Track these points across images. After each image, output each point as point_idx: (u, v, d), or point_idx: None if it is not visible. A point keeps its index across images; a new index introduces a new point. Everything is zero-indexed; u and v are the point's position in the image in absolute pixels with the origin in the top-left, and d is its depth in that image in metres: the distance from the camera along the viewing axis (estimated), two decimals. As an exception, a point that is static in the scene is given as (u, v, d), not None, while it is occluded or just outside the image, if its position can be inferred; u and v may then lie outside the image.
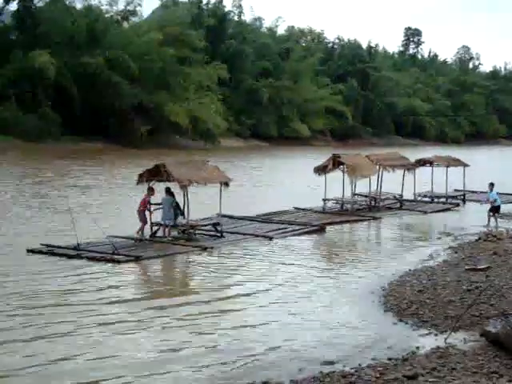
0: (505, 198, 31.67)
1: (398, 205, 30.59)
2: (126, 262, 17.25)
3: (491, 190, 26.75)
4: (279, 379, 9.80)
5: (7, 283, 14.76)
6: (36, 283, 14.82)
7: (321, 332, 12.24)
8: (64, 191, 31.34)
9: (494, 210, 26.38)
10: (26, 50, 61.96)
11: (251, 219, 24.81)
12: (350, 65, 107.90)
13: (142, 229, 20.22)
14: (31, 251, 17.78)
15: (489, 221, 26.04)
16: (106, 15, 73.24)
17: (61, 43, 64.35)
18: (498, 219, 26.28)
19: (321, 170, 28.21)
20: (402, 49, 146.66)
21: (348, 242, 23.90)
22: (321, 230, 23.76)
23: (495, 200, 26.38)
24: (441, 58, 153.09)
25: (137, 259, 17.60)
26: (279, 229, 23.11)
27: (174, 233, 20.89)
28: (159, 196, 21.04)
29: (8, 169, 41.30)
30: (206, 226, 21.80)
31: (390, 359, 10.62)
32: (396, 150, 35.89)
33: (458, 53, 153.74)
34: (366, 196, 30.07)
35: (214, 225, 21.79)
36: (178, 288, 15.68)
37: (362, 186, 29.70)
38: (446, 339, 11.53)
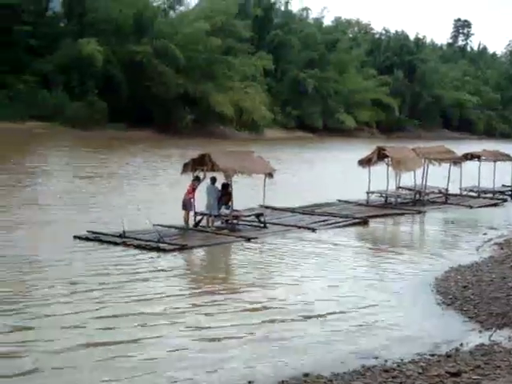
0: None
1: (444, 199, 30.24)
2: (171, 250, 17.40)
3: None
4: (321, 371, 9.80)
5: (53, 268, 15.00)
6: (82, 270, 15.02)
7: (363, 325, 12.21)
8: (109, 179, 31.80)
9: None
10: (74, 38, 62.89)
11: (294, 211, 24.79)
12: (397, 56, 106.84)
13: (187, 217, 20.33)
14: (78, 238, 18.04)
15: None
16: (154, 4, 73.71)
17: (108, 32, 65.07)
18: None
19: (365, 162, 28.02)
20: (450, 41, 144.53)
21: (391, 235, 23.73)
22: (364, 222, 23.65)
23: None
24: (490, 50, 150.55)
25: (181, 248, 17.74)
26: (322, 221, 23.05)
27: (217, 223, 21.00)
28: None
29: (56, 155, 42.06)
30: (249, 216, 21.88)
31: (432, 355, 10.55)
32: (442, 144, 35.42)
33: (508, 45, 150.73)
34: (410, 189, 29.80)
35: (258, 215, 21.84)
36: (223, 277, 15.75)
37: (407, 180, 29.44)
38: (490, 336, 11.39)
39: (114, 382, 9.30)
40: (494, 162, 33.54)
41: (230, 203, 20.82)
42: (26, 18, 59.26)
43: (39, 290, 13.32)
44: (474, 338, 11.50)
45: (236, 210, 21.02)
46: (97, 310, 12.26)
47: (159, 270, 15.53)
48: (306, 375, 9.66)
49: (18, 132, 52.52)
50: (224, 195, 20.77)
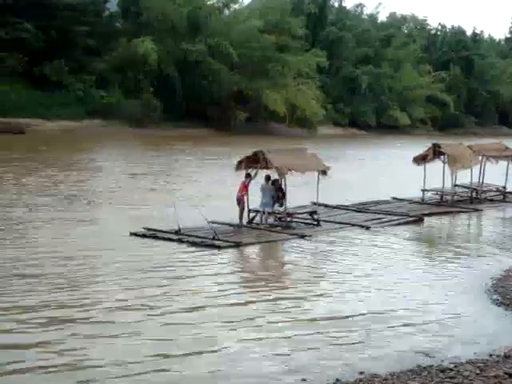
0: None
1: (501, 197, 29.65)
2: (226, 247, 17.53)
3: None
4: (376, 370, 9.75)
5: (112, 265, 15.26)
6: (140, 266, 15.24)
7: (421, 324, 12.07)
8: (165, 176, 32.20)
9: None
10: (130, 37, 63.81)
11: (347, 208, 24.67)
12: (453, 52, 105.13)
13: (241, 215, 20.43)
14: (134, 234, 18.31)
15: None
16: (208, 3, 74.19)
17: (163, 31, 65.83)
18: None
19: (420, 159, 27.65)
20: (508, 35, 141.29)
21: (448, 233, 23.37)
22: (419, 220, 23.37)
23: None
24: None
25: (236, 245, 17.85)
26: (376, 218, 22.88)
27: (271, 220, 21.05)
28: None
29: (110, 153, 42.78)
30: (302, 214, 21.86)
31: (491, 355, 10.39)
32: (500, 141, 34.72)
33: None
34: (467, 187, 29.31)
35: (311, 213, 21.80)
36: (279, 274, 15.78)
37: (463, 177, 28.97)
38: (551, 338, 11.16)
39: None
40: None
41: (283, 200, 20.84)
42: (84, 19, 60.39)
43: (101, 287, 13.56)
44: (534, 339, 11.27)
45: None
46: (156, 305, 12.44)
47: (215, 267, 15.64)
48: (361, 373, 9.62)
49: (76, 130, 53.63)
50: (277, 192, 20.79)
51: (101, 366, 9.58)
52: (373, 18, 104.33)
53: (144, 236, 18.26)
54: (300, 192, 24.49)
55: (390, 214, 23.71)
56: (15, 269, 14.39)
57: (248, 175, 20.67)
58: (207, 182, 30.57)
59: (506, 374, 9.32)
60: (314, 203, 22.48)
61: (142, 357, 9.92)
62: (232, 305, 12.76)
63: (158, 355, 10.07)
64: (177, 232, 18.26)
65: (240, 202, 20.38)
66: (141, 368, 9.58)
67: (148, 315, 11.87)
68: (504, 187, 29.91)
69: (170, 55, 64.21)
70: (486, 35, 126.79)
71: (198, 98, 64.18)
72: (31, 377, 9.25)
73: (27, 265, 14.74)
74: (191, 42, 65.69)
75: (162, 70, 62.74)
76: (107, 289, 13.30)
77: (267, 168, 20.69)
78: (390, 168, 40.66)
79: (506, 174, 29.92)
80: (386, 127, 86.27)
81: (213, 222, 19.22)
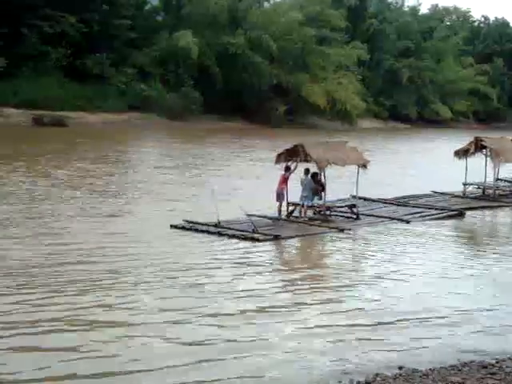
0: None
1: (545, 192, 29.14)
2: (265, 240, 17.56)
3: None
4: (416, 365, 9.68)
5: (153, 257, 15.39)
6: (181, 258, 15.34)
7: (461, 321, 11.93)
8: (203, 169, 32.36)
9: None
10: (170, 30, 64.13)
11: (387, 202, 24.49)
12: (497, 44, 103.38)
13: (280, 208, 20.45)
14: (174, 227, 18.44)
15: None
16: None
17: (203, 24, 65.92)
18: None
19: (462, 153, 27.30)
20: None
21: (490, 228, 23.09)
22: (460, 214, 23.09)
23: None
24: None
25: (275, 238, 17.86)
26: (416, 212, 22.66)
27: (310, 213, 21.01)
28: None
29: (148, 146, 43.13)
30: (342, 207, 21.78)
31: (534, 352, 10.25)
32: (544, 135, 34.09)
33: None
34: (510, 181, 28.86)
35: (350, 206, 21.71)
36: (319, 268, 15.75)
37: (506, 172, 28.53)
38: None
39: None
40: None
41: (322, 193, 20.79)
42: (125, 12, 60.85)
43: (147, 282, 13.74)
44: None
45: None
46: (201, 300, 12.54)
47: (255, 260, 15.69)
48: (401, 368, 9.57)
49: (116, 123, 54.15)
50: (316, 185, 20.75)
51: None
52: (414, 10, 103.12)
53: (184, 228, 18.38)
54: (340, 185, 24.37)
55: (430, 208, 23.47)
56: (78, 256, 14.71)
57: (287, 168, 20.64)
58: (246, 175, 30.61)
59: (549, 371, 9.18)
60: (354, 196, 22.38)
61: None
62: (273, 300, 12.76)
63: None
64: (216, 225, 18.34)
65: (279, 196, 20.38)
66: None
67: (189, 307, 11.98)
68: (548, 182, 29.40)
69: (211, 48, 64.34)
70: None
71: (237, 91, 64.27)
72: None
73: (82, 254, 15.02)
74: (231, 34, 65.74)
75: (202, 63, 62.92)
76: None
77: (307, 161, 20.63)
78: (430, 161, 40.20)
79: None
80: (427, 120, 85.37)
81: (251, 215, 19.25)
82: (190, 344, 10.29)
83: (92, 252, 15.36)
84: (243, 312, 11.84)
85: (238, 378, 9.18)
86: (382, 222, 21.03)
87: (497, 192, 27.49)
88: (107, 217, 19.85)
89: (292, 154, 20.78)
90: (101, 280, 13.20)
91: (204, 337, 10.54)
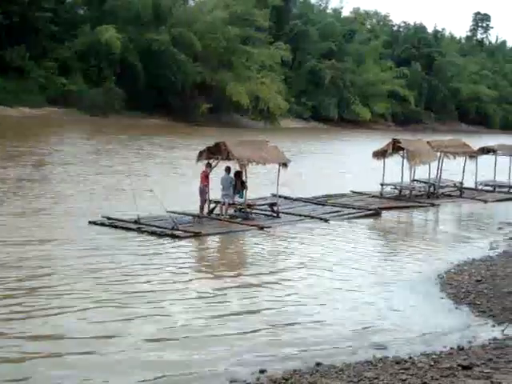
0: None
1: (458, 193, 30.11)
2: (186, 237, 17.50)
3: None
4: (333, 361, 9.84)
5: (68, 253, 15.11)
6: (97, 255, 15.12)
7: (375, 317, 12.22)
8: (127, 165, 31.91)
9: None
10: (93, 24, 63.03)
11: (307, 201, 24.81)
12: (415, 48, 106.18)
13: (202, 205, 20.43)
14: (93, 223, 18.16)
15: None
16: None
17: (127, 19, 65.14)
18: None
19: (380, 154, 27.92)
20: (469, 34, 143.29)
21: (404, 227, 23.71)
22: (377, 214, 23.62)
23: None
24: (509, 44, 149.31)
25: (196, 235, 17.83)
26: (335, 211, 23.05)
27: (231, 211, 21.06)
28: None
29: (75, 142, 42.24)
30: (262, 205, 21.92)
31: (444, 347, 10.55)
32: (458, 137, 35.25)
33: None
34: (425, 182, 29.70)
35: (271, 205, 21.88)
36: (237, 265, 15.81)
37: (422, 173, 29.35)
38: (503, 331, 11.37)
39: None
40: (510, 156, 33.30)
41: (243, 192, 20.88)
42: (46, 4, 59.41)
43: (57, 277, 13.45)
44: (487, 331, 11.47)
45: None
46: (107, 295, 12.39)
47: (173, 257, 15.61)
48: (318, 365, 9.70)
49: (36, 118, 52.83)
50: (237, 183, 20.83)
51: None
52: (337, 12, 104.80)
53: (103, 225, 18.11)
54: (261, 184, 24.51)
55: (348, 208, 23.91)
56: None
57: (209, 164, 20.65)
58: (167, 172, 30.41)
59: (459, 365, 9.45)
60: (274, 195, 22.56)
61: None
62: (182, 295, 12.75)
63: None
64: (136, 221, 18.15)
65: (202, 192, 20.37)
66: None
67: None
68: (461, 183, 30.37)
69: (134, 44, 63.61)
70: (447, 33, 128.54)
71: (161, 88, 63.80)
72: None
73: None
74: (155, 31, 65.17)
75: (125, 59, 62.11)
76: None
77: (228, 159, 20.67)
78: (349, 162, 40.95)
79: (463, 170, 30.37)
80: (347, 121, 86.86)
81: (173, 213, 19.15)
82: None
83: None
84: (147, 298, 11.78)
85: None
86: (302, 220, 21.29)
87: (412, 193, 28.23)
88: (27, 213, 19.32)
89: (214, 152, 20.76)
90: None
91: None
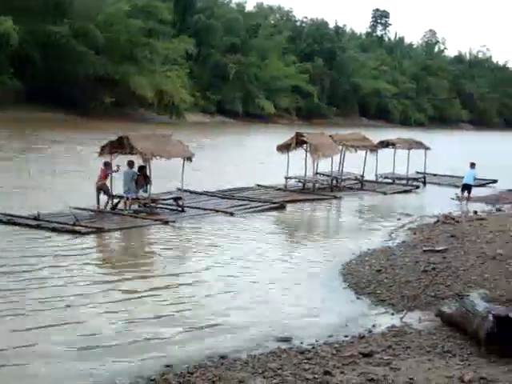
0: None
1: (359, 185, 30.86)
2: (87, 233, 17.14)
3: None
4: (237, 354, 9.87)
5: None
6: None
7: (278, 309, 12.30)
8: (24, 160, 30.97)
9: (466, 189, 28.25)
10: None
11: (212, 195, 24.82)
12: (317, 44, 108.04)
13: (108, 201, 20.13)
14: (-11, 219, 17.56)
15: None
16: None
17: (25, 10, 62.94)
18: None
19: (284, 148, 28.28)
20: (369, 30, 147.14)
21: (308, 220, 24.08)
22: (281, 207, 23.90)
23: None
24: (407, 41, 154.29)
25: (98, 231, 17.50)
26: (240, 205, 23.15)
27: (135, 206, 20.81)
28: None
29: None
30: (167, 200, 21.75)
31: (346, 336, 10.77)
32: (359, 131, 36.11)
33: (424, 36, 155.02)
34: (327, 175, 30.28)
35: (176, 199, 21.74)
36: (139, 260, 15.59)
37: (325, 166, 29.88)
38: (402, 318, 11.72)
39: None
40: (408, 149, 34.38)
41: (147, 186, 20.66)
42: None
43: None
44: (387, 320, 11.78)
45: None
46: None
47: (74, 254, 15.24)
48: (223, 357, 9.70)
49: None
50: (141, 178, 20.61)
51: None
52: (240, 6, 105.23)
53: (0, 222, 17.51)
54: (166, 178, 24.31)
55: (254, 201, 24.07)
56: None
57: (107, 163, 20.33)
58: (69, 168, 29.70)
59: (360, 353, 9.68)
60: (179, 189, 22.44)
61: None
62: (83, 291, 12.51)
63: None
64: (36, 218, 17.64)
65: (100, 190, 20.07)
66: None
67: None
68: (362, 176, 31.13)
69: (33, 36, 61.66)
70: (348, 29, 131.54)
71: (62, 81, 62.14)
72: None
73: None
74: (55, 22, 63.40)
75: (23, 51, 60.14)
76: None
77: (132, 153, 20.40)
78: (255, 156, 41.20)
79: (364, 163, 31.14)
80: (252, 116, 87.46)
81: (75, 208, 18.73)
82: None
83: None
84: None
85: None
86: (207, 214, 21.26)
87: (316, 185, 28.72)
88: None
89: (117, 147, 20.44)
90: None
91: None
